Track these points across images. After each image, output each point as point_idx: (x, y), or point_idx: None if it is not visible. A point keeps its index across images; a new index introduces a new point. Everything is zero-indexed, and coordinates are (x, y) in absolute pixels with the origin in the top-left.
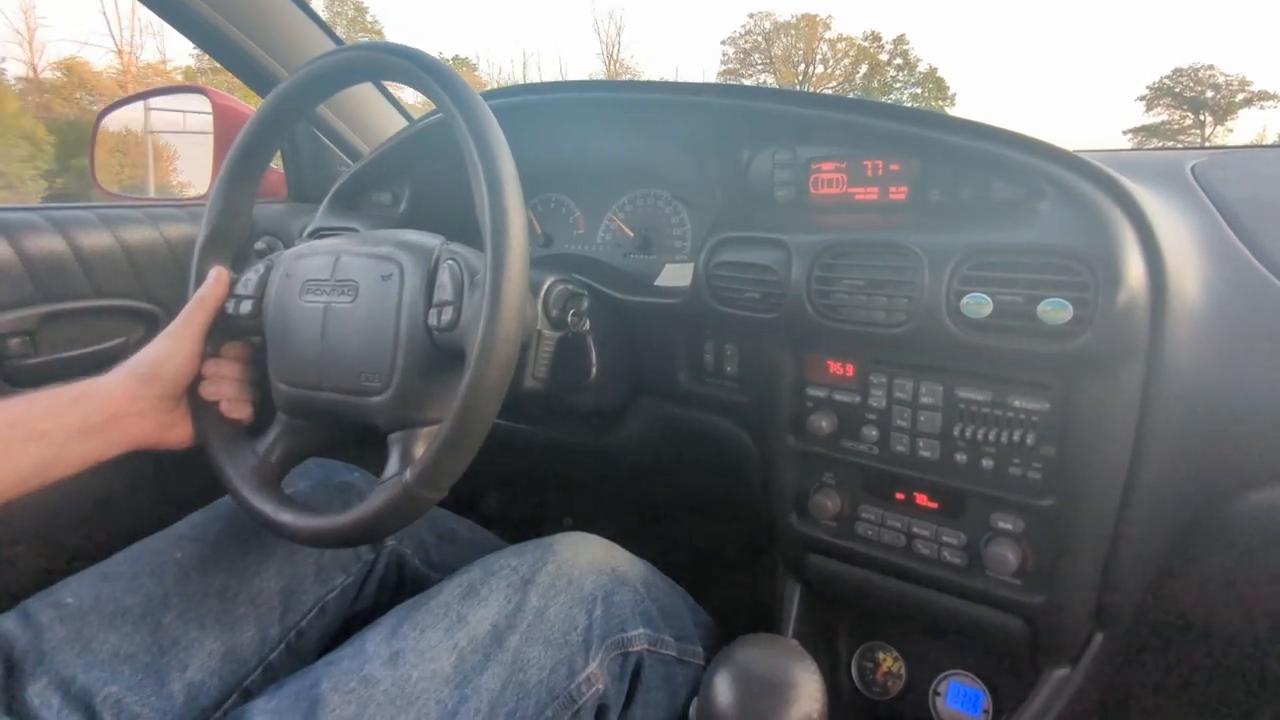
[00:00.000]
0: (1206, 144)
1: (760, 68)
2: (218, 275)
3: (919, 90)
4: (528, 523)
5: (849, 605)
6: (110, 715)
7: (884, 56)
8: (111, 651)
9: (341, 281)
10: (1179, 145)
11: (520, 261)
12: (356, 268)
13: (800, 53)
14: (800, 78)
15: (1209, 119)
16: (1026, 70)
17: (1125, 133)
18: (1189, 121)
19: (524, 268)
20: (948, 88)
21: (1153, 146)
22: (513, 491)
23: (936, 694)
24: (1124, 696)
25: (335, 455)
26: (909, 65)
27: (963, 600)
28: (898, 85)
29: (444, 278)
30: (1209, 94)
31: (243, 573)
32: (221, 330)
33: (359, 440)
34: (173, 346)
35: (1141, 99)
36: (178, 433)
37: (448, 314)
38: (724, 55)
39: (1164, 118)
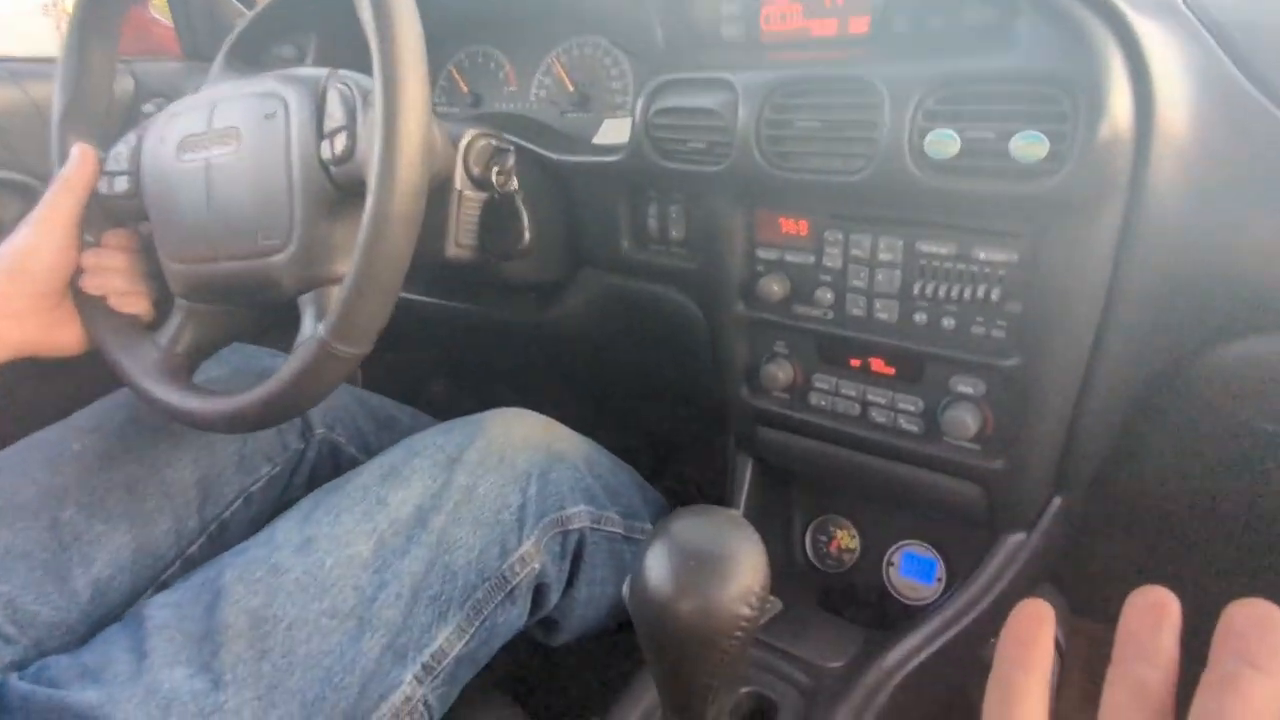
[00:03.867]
0: None
1: None
2: (82, 153)
3: None
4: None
5: (803, 479)
6: (3, 615)
7: None
8: (3, 549)
9: (220, 131)
10: None
11: (417, 62)
12: (236, 112)
13: None
14: None
15: None
16: None
17: None
18: None
19: (422, 70)
20: None
21: None
22: (459, 381)
23: (890, 564)
24: (1078, 562)
25: (259, 343)
26: None
27: (919, 468)
28: None
29: (333, 105)
30: None
31: (153, 463)
32: (99, 215)
33: (276, 321)
34: (39, 237)
35: None
36: (65, 334)
37: (341, 142)
38: None
39: None
